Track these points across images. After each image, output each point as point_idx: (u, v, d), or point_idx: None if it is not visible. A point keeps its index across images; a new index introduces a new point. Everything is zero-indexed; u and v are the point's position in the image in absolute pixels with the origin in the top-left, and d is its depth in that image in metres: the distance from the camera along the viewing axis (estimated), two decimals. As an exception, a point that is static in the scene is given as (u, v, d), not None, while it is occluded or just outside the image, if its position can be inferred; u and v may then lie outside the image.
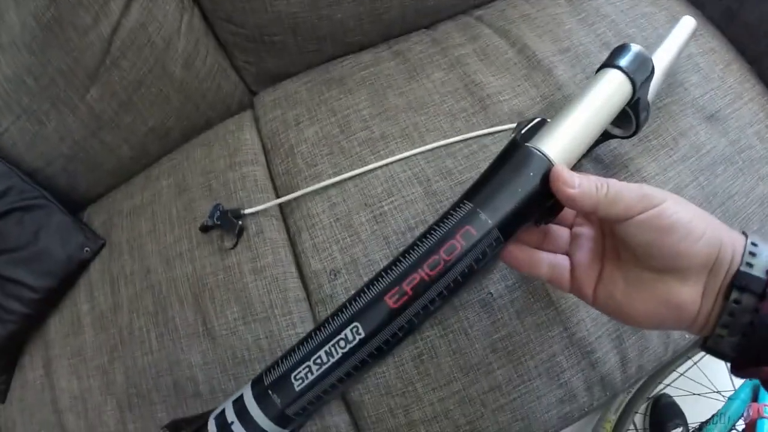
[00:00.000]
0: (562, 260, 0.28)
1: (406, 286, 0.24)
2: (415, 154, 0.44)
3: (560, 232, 0.29)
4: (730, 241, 0.23)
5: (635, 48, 0.34)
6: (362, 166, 0.44)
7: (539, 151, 0.26)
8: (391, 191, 0.44)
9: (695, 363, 0.70)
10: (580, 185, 0.24)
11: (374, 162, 0.44)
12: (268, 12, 0.50)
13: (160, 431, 0.29)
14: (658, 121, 0.50)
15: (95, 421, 0.51)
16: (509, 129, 0.46)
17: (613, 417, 0.68)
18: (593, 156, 0.47)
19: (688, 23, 0.46)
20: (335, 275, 0.43)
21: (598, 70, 0.33)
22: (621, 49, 0.34)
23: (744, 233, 0.24)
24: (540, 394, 0.41)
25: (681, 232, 0.22)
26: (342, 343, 0.25)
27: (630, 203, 0.23)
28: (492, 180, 0.26)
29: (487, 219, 0.25)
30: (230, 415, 0.27)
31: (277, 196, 0.48)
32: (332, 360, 0.25)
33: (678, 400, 0.78)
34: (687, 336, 0.46)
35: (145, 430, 0.48)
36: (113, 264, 0.55)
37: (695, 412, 0.74)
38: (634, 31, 0.55)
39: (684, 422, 0.76)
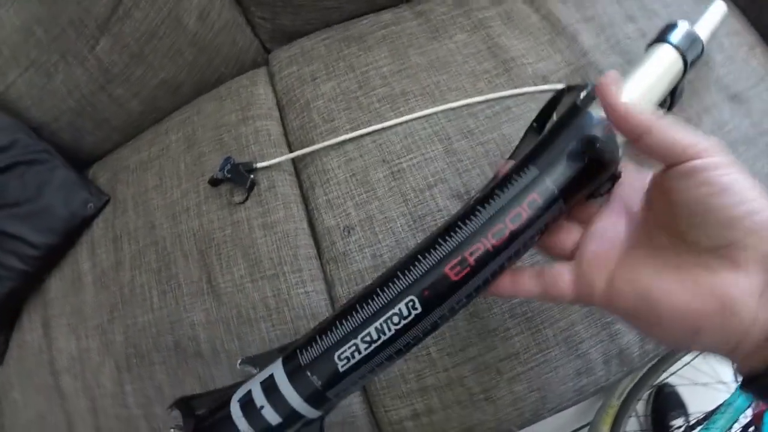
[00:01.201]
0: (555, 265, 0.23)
1: (469, 257, 0.22)
2: (436, 112, 0.43)
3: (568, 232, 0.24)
4: None
5: (688, 27, 0.34)
6: (381, 122, 0.42)
7: (603, 118, 0.23)
8: (411, 148, 0.43)
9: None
10: (631, 102, 0.20)
11: (394, 118, 0.43)
12: (287, -36, 0.49)
13: (168, 410, 0.26)
14: (682, 96, 0.48)
15: (92, 383, 0.50)
16: (535, 91, 0.45)
17: (616, 402, 0.67)
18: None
19: (719, 8, 0.45)
20: (349, 232, 0.41)
21: (651, 44, 0.33)
22: (672, 27, 0.34)
23: None
24: (557, 364, 0.40)
25: (738, 194, 0.18)
26: (396, 319, 0.22)
27: (686, 141, 0.19)
28: (555, 146, 0.23)
29: (554, 188, 0.22)
30: (259, 398, 0.23)
31: (291, 151, 0.46)
32: (383, 338, 0.22)
33: (681, 390, 0.77)
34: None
35: (142, 391, 0.47)
36: (117, 220, 0.53)
37: (697, 402, 0.73)
38: (659, 6, 0.53)
39: (685, 412, 0.75)
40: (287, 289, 0.43)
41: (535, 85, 0.46)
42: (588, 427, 0.72)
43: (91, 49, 0.52)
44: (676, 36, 0.32)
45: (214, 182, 0.45)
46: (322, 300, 0.43)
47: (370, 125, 0.43)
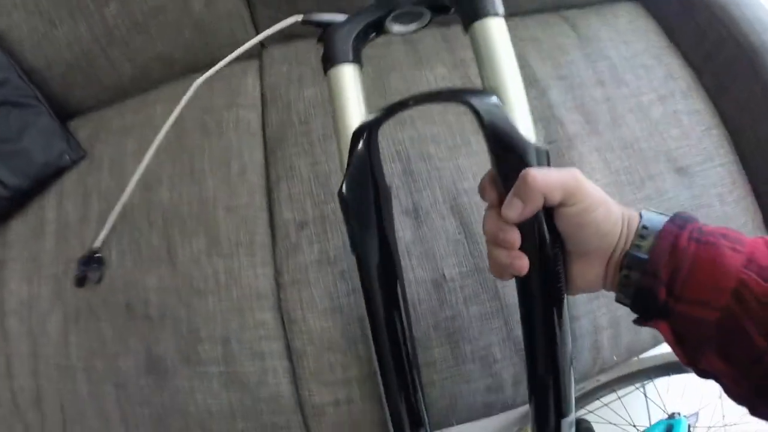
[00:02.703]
0: None
1: None
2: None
3: None
4: (627, 226, 0.27)
5: None
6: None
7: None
8: (416, 47, 0.48)
9: (619, 397, 0.74)
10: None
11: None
12: (297, -26, 0.52)
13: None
14: (632, 160, 0.53)
15: (38, 329, 0.51)
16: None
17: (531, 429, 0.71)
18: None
19: None
20: (303, 227, 0.45)
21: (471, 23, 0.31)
22: None
23: (640, 214, 0.27)
24: (470, 378, 0.44)
25: (593, 229, 0.26)
26: None
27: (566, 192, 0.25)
28: None
29: None
30: None
31: (265, 145, 0.49)
32: None
33: (596, 427, 0.82)
34: (615, 358, 0.49)
35: (86, 344, 0.49)
36: (90, 177, 0.55)
37: (609, 442, 0.78)
38: (631, 78, 0.58)
39: (599, 450, 0.80)
40: (238, 269, 0.46)
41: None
42: (501, 449, 0.76)
43: (100, 9, 0.54)
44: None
45: (81, 281, 0.49)
46: (269, 284, 0.46)
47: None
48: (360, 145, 0.32)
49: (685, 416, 0.66)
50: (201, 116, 0.53)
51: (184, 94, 0.57)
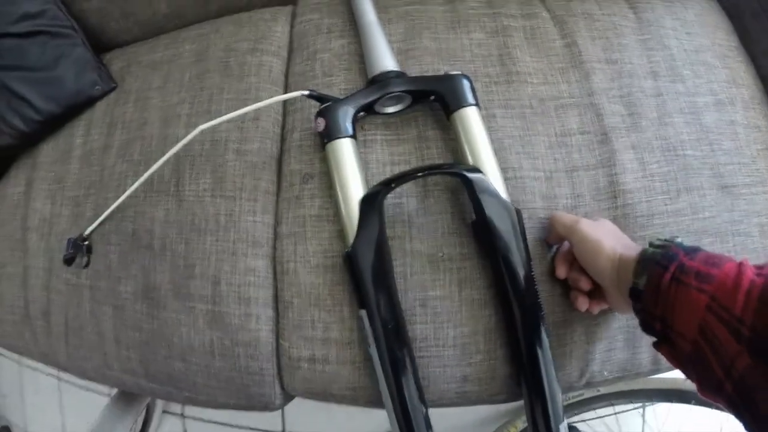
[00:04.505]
0: None
1: None
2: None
3: None
4: (616, 270, 0.35)
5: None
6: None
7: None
8: (389, 126, 0.45)
9: (616, 413, 0.70)
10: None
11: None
12: None
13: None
14: (672, 167, 0.46)
15: (54, 245, 0.54)
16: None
17: (520, 424, 0.69)
18: (590, 184, 0.45)
19: None
20: (308, 180, 0.44)
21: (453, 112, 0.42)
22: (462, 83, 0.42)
23: (638, 254, 0.33)
24: (448, 364, 0.41)
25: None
26: None
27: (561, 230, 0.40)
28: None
29: None
30: None
31: (285, 91, 0.48)
32: None
33: None
34: (606, 374, 0.44)
35: (94, 265, 0.51)
36: (117, 108, 0.57)
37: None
38: (688, 74, 0.52)
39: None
40: (239, 213, 0.46)
41: (531, 106, 0.47)
42: (486, 438, 0.74)
43: (141, -58, 0.54)
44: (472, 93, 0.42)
45: (69, 261, 0.50)
46: (266, 233, 0.46)
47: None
48: (374, 208, 0.38)
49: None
50: (225, 57, 0.53)
51: (213, 34, 0.57)
